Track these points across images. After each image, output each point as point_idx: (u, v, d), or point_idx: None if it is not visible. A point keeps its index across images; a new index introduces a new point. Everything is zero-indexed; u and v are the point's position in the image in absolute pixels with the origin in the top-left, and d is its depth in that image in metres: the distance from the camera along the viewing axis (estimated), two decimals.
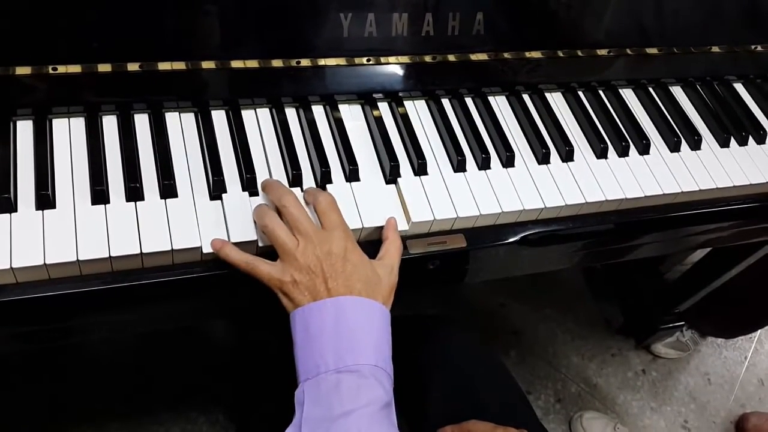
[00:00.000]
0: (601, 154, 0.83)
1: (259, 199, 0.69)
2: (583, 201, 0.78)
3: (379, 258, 0.67)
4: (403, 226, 0.71)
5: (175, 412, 1.38)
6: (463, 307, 1.68)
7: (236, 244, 0.65)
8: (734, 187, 0.85)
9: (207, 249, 0.64)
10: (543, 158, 0.80)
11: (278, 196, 0.66)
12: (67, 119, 0.70)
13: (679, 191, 0.82)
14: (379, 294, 0.64)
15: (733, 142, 0.91)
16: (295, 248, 0.62)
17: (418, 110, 0.82)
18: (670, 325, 1.64)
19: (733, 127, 0.92)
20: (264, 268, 0.63)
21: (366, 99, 0.80)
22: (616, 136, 0.85)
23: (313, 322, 0.60)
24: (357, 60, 0.78)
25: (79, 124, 0.70)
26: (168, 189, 0.67)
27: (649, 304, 1.67)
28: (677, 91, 0.95)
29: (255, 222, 0.66)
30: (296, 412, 0.59)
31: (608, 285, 1.78)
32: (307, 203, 0.68)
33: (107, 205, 0.64)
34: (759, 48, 0.98)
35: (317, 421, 0.56)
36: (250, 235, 0.66)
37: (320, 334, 0.60)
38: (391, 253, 0.68)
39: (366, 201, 0.72)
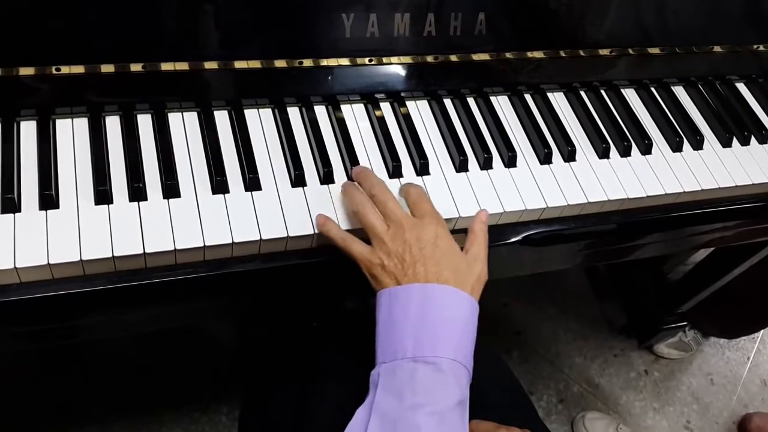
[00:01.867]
0: (604, 153, 0.83)
1: (263, 198, 0.69)
2: (585, 201, 0.78)
3: (466, 250, 0.67)
4: None
5: (177, 411, 1.38)
6: None
7: (238, 243, 0.65)
8: (736, 186, 0.85)
9: (209, 243, 0.64)
10: (545, 158, 0.81)
11: (370, 185, 0.67)
12: (70, 120, 0.70)
13: (682, 191, 0.82)
14: (468, 284, 0.63)
15: (735, 141, 0.90)
16: (385, 232, 0.63)
17: (420, 110, 0.82)
18: (673, 325, 1.64)
19: (736, 126, 0.92)
20: (357, 247, 0.64)
21: (368, 99, 0.80)
22: (618, 136, 0.85)
23: (398, 306, 0.60)
24: (359, 60, 0.78)
25: (82, 124, 0.70)
26: (171, 189, 0.67)
27: (652, 304, 1.66)
28: (679, 91, 0.95)
29: (347, 207, 0.68)
30: (369, 393, 0.58)
31: (611, 285, 1.78)
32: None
33: (110, 205, 0.65)
34: (761, 48, 0.98)
35: (388, 408, 0.56)
36: (253, 234, 0.66)
37: (403, 318, 0.59)
38: (477, 245, 0.67)
39: None
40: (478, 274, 0.65)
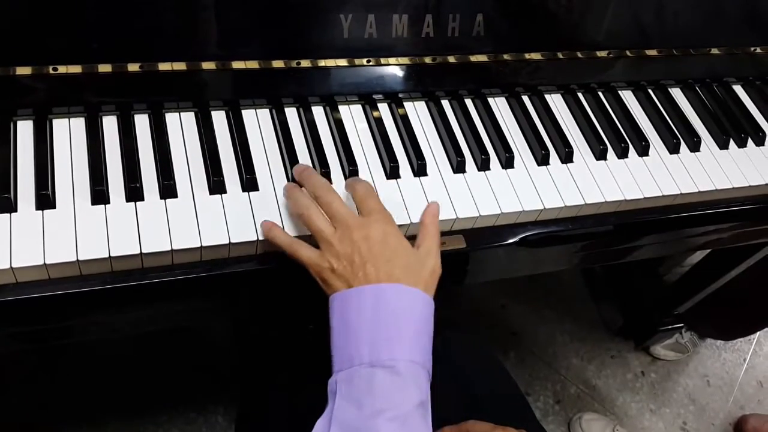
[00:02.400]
0: (601, 155, 0.83)
1: (260, 198, 0.69)
2: (582, 202, 0.78)
3: (418, 245, 0.65)
4: (404, 222, 0.71)
5: (173, 412, 1.38)
6: (463, 308, 1.68)
7: (236, 244, 0.65)
8: (733, 188, 0.85)
9: (206, 243, 0.64)
10: (542, 159, 0.81)
11: (313, 186, 0.65)
12: (67, 119, 0.70)
13: (678, 193, 0.82)
14: (420, 280, 0.61)
15: (732, 143, 0.91)
16: (332, 235, 0.61)
17: (417, 111, 0.82)
18: (669, 326, 1.65)
19: (732, 128, 0.92)
20: (305, 252, 0.62)
21: (366, 100, 0.80)
22: (616, 138, 0.85)
23: (351, 310, 0.59)
24: (357, 61, 0.78)
25: (79, 124, 0.70)
26: (168, 189, 0.67)
27: (649, 305, 1.67)
28: (677, 93, 0.95)
29: (290, 210, 0.66)
30: (329, 402, 0.57)
31: (607, 287, 1.79)
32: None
33: (107, 206, 0.64)
34: (758, 50, 0.98)
35: (348, 418, 0.55)
36: (251, 235, 0.66)
37: (357, 322, 0.58)
38: (430, 238, 0.65)
39: None
40: (432, 268, 0.63)
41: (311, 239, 0.64)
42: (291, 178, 0.71)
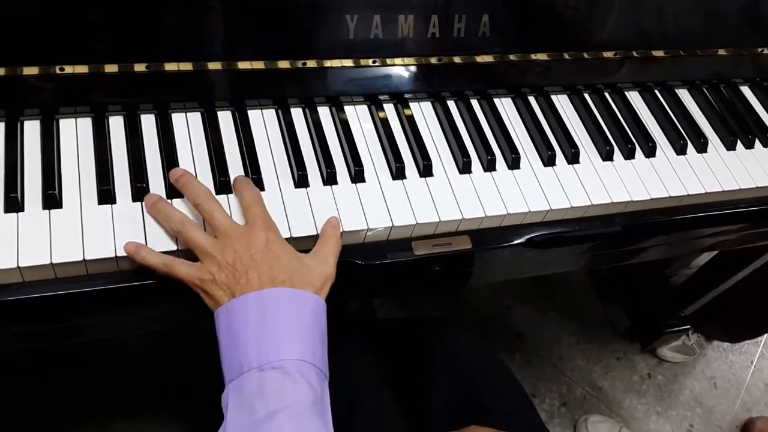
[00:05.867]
0: (607, 156, 0.83)
1: (266, 198, 0.68)
2: (589, 203, 0.78)
3: (313, 252, 0.65)
4: (410, 222, 0.71)
5: (180, 412, 1.38)
6: (468, 310, 1.67)
7: None
8: (741, 189, 0.85)
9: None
10: (549, 160, 0.80)
11: (194, 194, 0.64)
12: (74, 119, 0.70)
13: (686, 194, 0.82)
14: (308, 284, 0.61)
15: (739, 144, 0.90)
16: (212, 246, 0.60)
17: (423, 112, 0.82)
18: (676, 328, 1.64)
19: (740, 129, 0.91)
20: (182, 268, 0.60)
21: (372, 100, 0.80)
22: (622, 139, 0.85)
23: (237, 320, 0.58)
24: (363, 61, 0.78)
25: (86, 124, 0.70)
26: (175, 189, 0.67)
27: (655, 307, 1.66)
28: (683, 94, 0.95)
29: (165, 226, 0.63)
30: (224, 417, 0.56)
31: (614, 288, 1.78)
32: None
33: (114, 205, 0.65)
34: (765, 51, 0.98)
35: (241, 427, 0.54)
36: None
37: (244, 330, 0.57)
38: (328, 245, 0.65)
39: (371, 202, 0.72)
40: (324, 273, 0.63)
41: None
42: (296, 179, 0.71)
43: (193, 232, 0.61)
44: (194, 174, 0.69)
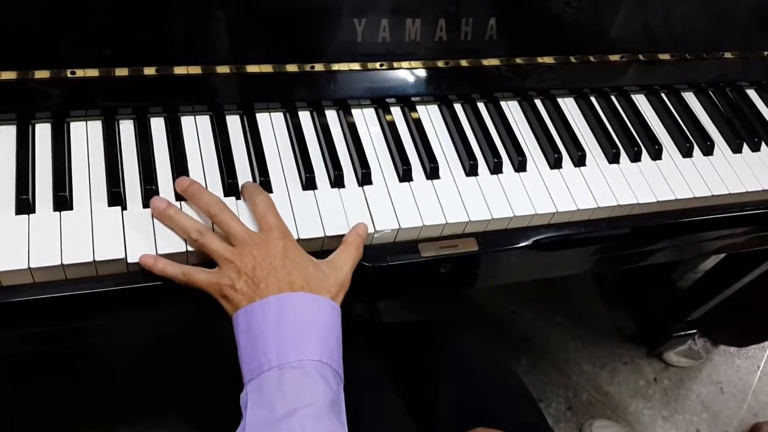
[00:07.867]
0: (614, 159, 0.83)
1: (274, 200, 0.69)
2: (595, 206, 0.78)
3: (330, 258, 0.66)
4: (416, 225, 0.72)
5: (185, 415, 1.38)
6: (474, 314, 1.67)
7: None
8: (747, 192, 0.85)
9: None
10: (555, 163, 0.81)
11: (207, 204, 0.65)
12: (84, 122, 0.71)
13: (692, 196, 0.82)
14: (324, 290, 0.62)
15: (745, 147, 0.90)
16: (232, 253, 0.61)
17: (430, 115, 0.83)
18: (682, 333, 1.63)
19: (746, 132, 0.91)
20: (201, 276, 0.62)
21: (379, 104, 0.81)
22: (629, 141, 0.85)
23: (256, 321, 0.59)
24: (370, 65, 0.79)
25: (96, 127, 0.71)
26: None
27: (661, 311, 1.66)
28: (689, 97, 0.95)
29: (180, 233, 0.64)
30: (243, 416, 0.57)
31: (620, 292, 1.78)
32: (244, 200, 0.68)
33: (123, 207, 0.65)
34: None
35: (261, 424, 0.54)
36: None
37: (263, 332, 0.58)
38: (345, 254, 0.66)
39: (378, 204, 0.72)
40: (340, 281, 0.64)
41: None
42: (304, 182, 0.72)
43: (211, 240, 0.62)
44: (203, 176, 0.70)
